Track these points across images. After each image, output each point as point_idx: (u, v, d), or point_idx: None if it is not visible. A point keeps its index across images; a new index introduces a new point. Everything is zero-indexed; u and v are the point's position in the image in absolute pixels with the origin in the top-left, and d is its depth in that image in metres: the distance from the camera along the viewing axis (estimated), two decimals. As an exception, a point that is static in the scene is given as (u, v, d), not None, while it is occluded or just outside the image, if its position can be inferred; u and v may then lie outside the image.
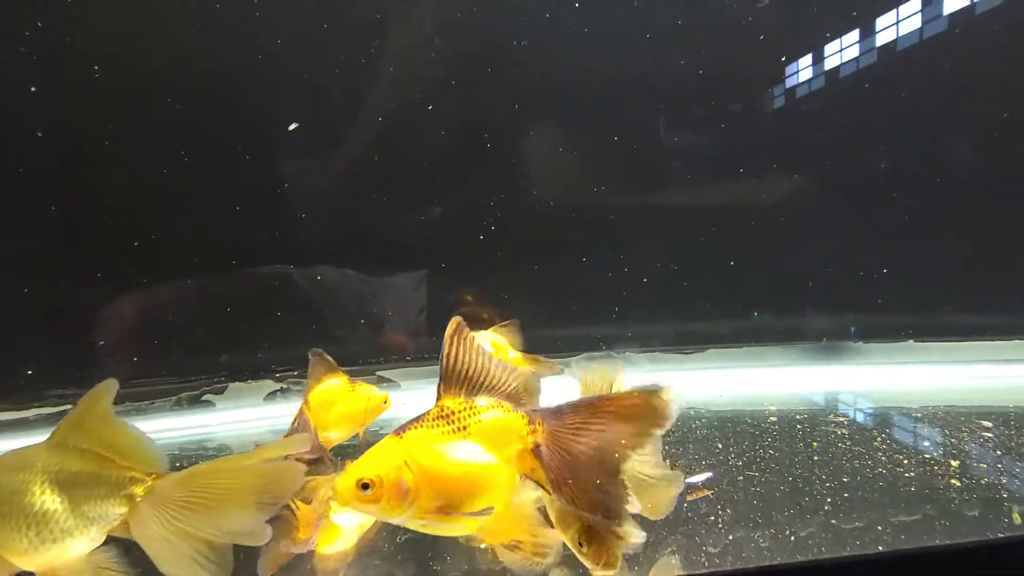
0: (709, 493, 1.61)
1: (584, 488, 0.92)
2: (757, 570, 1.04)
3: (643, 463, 1.19)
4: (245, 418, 2.79)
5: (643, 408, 0.93)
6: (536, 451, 0.96)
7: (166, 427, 2.68)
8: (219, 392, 2.83)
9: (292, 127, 2.67)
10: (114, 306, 2.56)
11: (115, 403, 2.79)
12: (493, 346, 2.09)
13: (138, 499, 1.00)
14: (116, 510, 1.00)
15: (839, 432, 2.09)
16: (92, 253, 2.56)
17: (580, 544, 0.96)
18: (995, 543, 1.11)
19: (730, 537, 1.33)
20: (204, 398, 2.81)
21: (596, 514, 0.93)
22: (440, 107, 2.84)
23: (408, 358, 3.00)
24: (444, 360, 0.95)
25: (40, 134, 2.42)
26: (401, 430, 0.93)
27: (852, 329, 3.17)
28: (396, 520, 0.92)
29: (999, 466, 1.72)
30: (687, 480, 1.69)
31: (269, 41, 2.66)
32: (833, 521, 1.39)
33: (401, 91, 2.78)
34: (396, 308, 2.93)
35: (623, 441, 0.93)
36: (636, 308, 3.16)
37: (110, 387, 1.07)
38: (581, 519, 0.96)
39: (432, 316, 2.97)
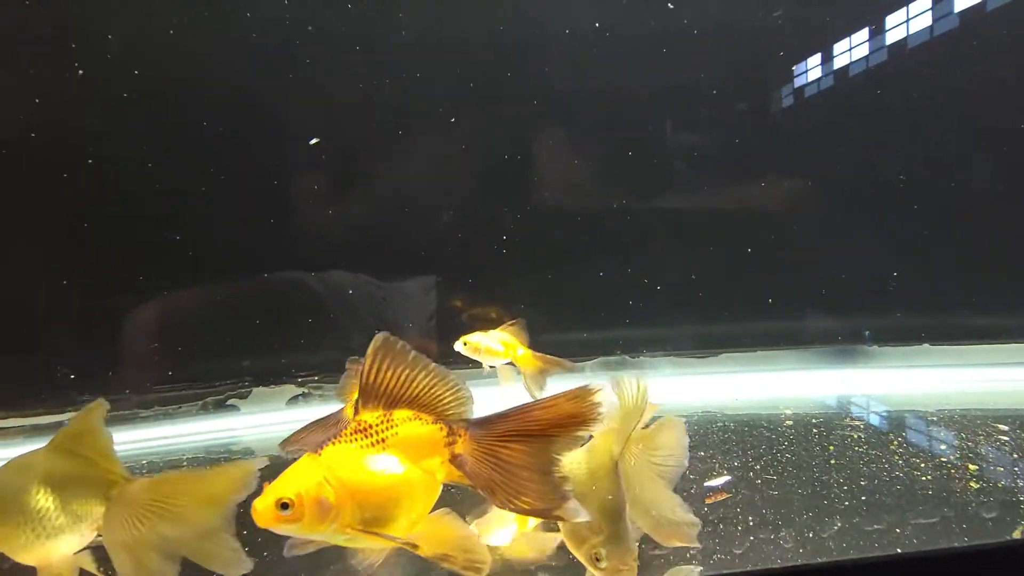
0: (727, 496, 1.65)
1: (518, 491, 0.93)
2: (781, 570, 1.08)
3: (669, 506, 1.18)
4: (268, 422, 2.85)
5: (573, 410, 0.95)
6: (455, 461, 0.97)
7: (193, 431, 2.75)
8: (243, 397, 2.89)
9: (313, 142, 2.73)
10: (143, 313, 2.63)
11: (145, 407, 2.84)
12: (502, 344, 2.14)
13: (113, 500, 1.06)
14: (99, 509, 1.07)
15: (855, 436, 2.11)
16: (123, 262, 2.63)
17: (597, 559, 0.98)
18: (1013, 544, 1.14)
19: (751, 539, 1.36)
20: (229, 402, 2.87)
21: (535, 511, 0.95)
22: (460, 117, 2.90)
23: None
24: (364, 376, 0.95)
25: (90, 151, 2.50)
26: (318, 447, 0.94)
27: (866, 332, 3.19)
28: (319, 537, 0.94)
29: (1016, 469, 1.74)
30: (706, 484, 1.73)
31: (300, 56, 2.72)
32: (851, 524, 1.41)
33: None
34: (407, 314, 2.99)
35: (555, 441, 0.95)
36: (649, 313, 3.19)
37: (100, 407, 1.15)
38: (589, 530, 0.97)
39: (443, 321, 3.01)
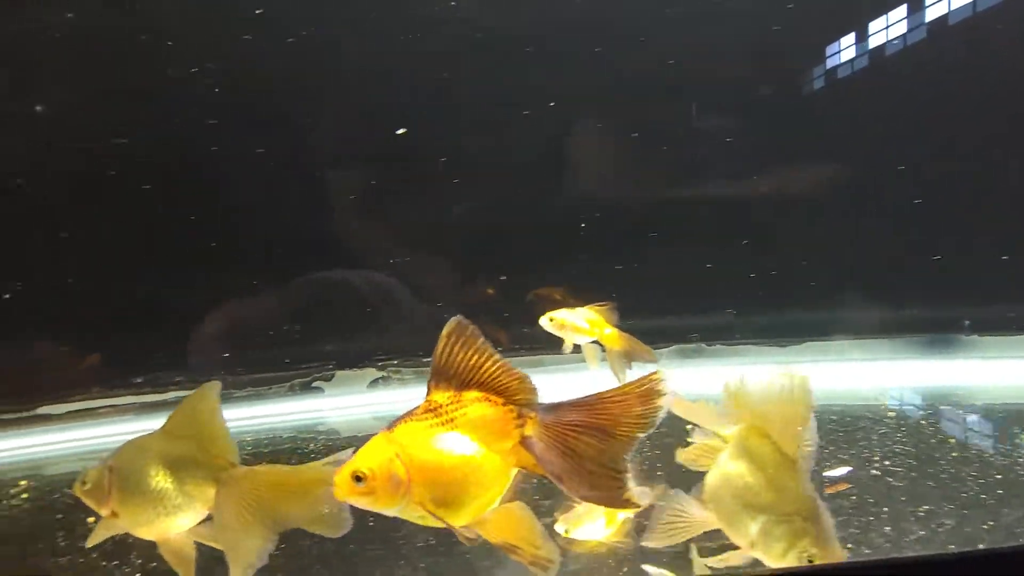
0: (848, 486, 1.59)
1: (585, 480, 0.93)
2: (941, 558, 1.02)
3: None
4: (351, 404, 2.92)
5: (642, 403, 0.92)
6: (526, 444, 0.95)
7: (282, 411, 2.83)
8: (327, 379, 2.97)
9: (400, 132, 2.77)
10: (238, 301, 2.73)
11: (238, 388, 2.96)
12: (588, 323, 2.10)
13: (222, 483, 1.13)
14: (210, 491, 1.13)
15: (973, 428, 2.01)
16: (219, 253, 2.75)
17: (810, 562, 0.95)
18: None
19: (887, 529, 1.31)
20: (314, 384, 2.95)
21: (602, 500, 0.94)
22: (533, 107, 2.89)
23: (499, 348, 3.07)
24: (436, 358, 0.95)
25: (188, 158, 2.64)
26: (391, 425, 0.95)
27: (966, 322, 3.03)
28: (392, 512, 0.95)
29: None
30: (825, 474, 1.67)
31: (366, 53, 2.77)
32: (999, 517, 1.35)
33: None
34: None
35: (625, 432, 0.92)
36: (729, 299, 3.12)
37: (214, 387, 1.22)
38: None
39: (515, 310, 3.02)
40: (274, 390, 2.88)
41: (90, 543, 1.15)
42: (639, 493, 0.92)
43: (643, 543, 0.96)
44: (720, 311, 3.15)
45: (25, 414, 2.42)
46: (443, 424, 0.95)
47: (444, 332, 0.95)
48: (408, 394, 3.02)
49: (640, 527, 1.37)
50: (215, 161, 2.70)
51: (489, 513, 0.98)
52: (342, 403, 2.92)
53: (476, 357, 0.95)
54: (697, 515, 1.12)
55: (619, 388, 0.94)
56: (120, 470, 1.13)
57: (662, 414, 0.93)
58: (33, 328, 2.47)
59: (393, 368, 3.06)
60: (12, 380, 2.40)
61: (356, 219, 2.90)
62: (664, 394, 0.92)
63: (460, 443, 0.94)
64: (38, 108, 2.52)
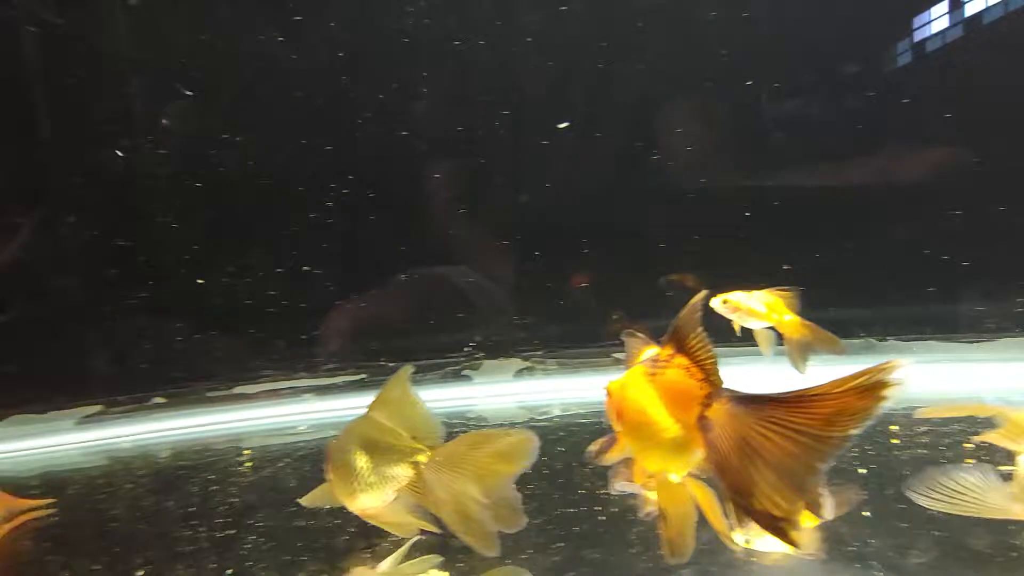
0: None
1: (756, 490, 0.79)
2: None
3: None
4: (498, 392, 3.00)
5: (861, 393, 0.74)
6: (701, 423, 0.86)
7: (435, 397, 2.96)
8: (475, 368, 3.07)
9: (562, 125, 2.80)
10: (398, 295, 2.95)
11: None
12: (766, 306, 1.98)
13: (422, 466, 1.19)
14: (405, 473, 1.20)
15: None
16: (375, 252, 2.99)
17: None
18: None
19: None
20: (463, 373, 3.07)
21: (760, 519, 0.79)
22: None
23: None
24: (677, 318, 0.94)
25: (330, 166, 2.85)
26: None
27: None
28: None
29: None
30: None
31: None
32: None
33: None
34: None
35: (835, 434, 0.75)
36: (903, 289, 2.81)
37: (407, 372, 1.29)
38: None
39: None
40: (429, 377, 3.04)
41: (304, 502, 1.32)
42: (802, 537, 0.77)
43: (908, 492, 0.82)
44: (896, 303, 2.86)
45: (225, 392, 2.76)
46: (647, 375, 0.98)
47: (694, 301, 0.94)
48: (553, 384, 3.05)
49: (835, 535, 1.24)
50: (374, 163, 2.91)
51: (675, 477, 0.98)
52: (489, 391, 3.01)
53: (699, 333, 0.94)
54: (995, 500, 1.01)
55: (837, 381, 0.77)
56: (334, 447, 1.27)
57: (879, 411, 0.73)
58: (236, 315, 2.81)
59: (538, 359, 3.11)
60: (215, 362, 2.75)
61: (464, 214, 3.01)
62: (893, 387, 0.72)
63: (645, 396, 0.97)
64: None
